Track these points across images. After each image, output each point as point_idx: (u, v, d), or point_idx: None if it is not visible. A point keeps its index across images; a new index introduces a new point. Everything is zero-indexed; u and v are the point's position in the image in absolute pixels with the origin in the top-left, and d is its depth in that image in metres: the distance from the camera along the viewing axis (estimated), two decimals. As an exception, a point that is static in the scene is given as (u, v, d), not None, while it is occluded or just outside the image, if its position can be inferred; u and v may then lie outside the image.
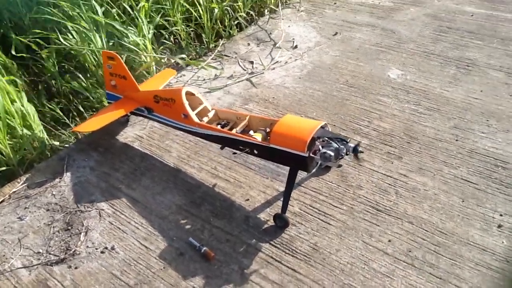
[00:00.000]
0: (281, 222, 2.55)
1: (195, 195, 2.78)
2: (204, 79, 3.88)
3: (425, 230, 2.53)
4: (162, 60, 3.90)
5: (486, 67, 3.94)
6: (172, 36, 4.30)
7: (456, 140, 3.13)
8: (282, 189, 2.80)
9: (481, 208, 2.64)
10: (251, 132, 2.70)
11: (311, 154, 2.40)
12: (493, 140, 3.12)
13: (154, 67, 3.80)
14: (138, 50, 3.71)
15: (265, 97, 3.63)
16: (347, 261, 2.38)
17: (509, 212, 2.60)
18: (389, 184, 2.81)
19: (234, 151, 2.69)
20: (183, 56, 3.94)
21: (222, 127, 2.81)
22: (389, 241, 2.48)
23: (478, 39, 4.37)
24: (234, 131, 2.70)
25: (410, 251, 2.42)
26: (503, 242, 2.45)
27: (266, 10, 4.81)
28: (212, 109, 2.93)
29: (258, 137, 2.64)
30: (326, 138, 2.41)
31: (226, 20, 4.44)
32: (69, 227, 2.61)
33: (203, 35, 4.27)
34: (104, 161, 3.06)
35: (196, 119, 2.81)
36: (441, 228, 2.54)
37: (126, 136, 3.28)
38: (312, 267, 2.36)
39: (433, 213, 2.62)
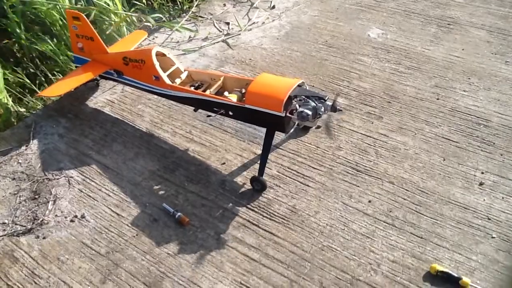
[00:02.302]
0: (258, 185, 2.47)
1: (169, 160, 2.67)
2: (178, 41, 3.71)
3: (406, 190, 2.47)
4: (134, 20, 3.71)
5: (467, 25, 3.84)
6: (143, -3, 4.09)
7: (437, 99, 3.06)
8: (259, 152, 2.70)
9: (462, 167, 2.59)
10: (226, 93, 2.58)
11: (288, 114, 2.30)
12: (475, 98, 3.06)
13: (124, 29, 3.61)
14: (108, 8, 3.51)
15: (242, 59, 3.49)
16: (326, 223, 2.32)
17: (490, 170, 2.56)
18: (369, 144, 2.74)
19: (209, 113, 2.57)
20: (157, 15, 3.75)
21: (196, 88, 2.67)
22: (369, 201, 2.42)
23: (460, -3, 4.27)
24: (208, 92, 2.57)
25: (390, 211, 2.36)
26: (484, 199, 2.41)
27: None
28: (184, 70, 2.78)
29: (233, 98, 2.52)
30: (303, 97, 2.30)
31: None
32: (36, 196, 2.49)
33: (177, -5, 4.07)
34: (73, 127, 2.92)
35: (167, 81, 2.67)
36: (422, 187, 2.48)
37: (96, 101, 3.13)
38: (291, 230, 2.29)
39: (414, 173, 2.56)
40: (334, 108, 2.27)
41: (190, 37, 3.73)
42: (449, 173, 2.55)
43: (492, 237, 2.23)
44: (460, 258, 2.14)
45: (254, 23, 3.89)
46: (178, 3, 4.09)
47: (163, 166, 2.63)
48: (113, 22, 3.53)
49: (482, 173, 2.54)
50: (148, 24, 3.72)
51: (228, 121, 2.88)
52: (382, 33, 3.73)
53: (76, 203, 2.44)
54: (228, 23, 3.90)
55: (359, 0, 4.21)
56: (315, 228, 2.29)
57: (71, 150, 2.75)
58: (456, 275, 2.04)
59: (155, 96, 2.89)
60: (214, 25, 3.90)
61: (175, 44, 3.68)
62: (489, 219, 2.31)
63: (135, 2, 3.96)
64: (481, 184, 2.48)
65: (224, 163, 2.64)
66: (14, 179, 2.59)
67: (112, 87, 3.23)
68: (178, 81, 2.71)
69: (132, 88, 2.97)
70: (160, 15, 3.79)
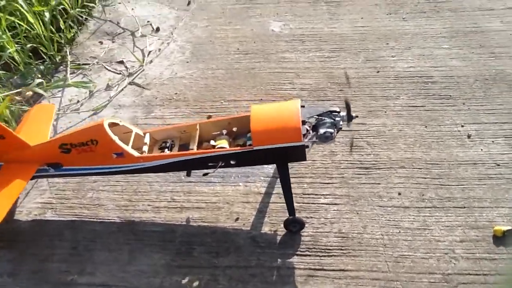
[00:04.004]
0: (295, 226, 2.20)
1: (175, 242, 2.21)
2: (78, 101, 3.07)
3: (419, 169, 2.47)
4: (15, 97, 2.93)
5: (347, -6, 3.97)
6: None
7: (378, 72, 3.11)
8: (263, 191, 2.42)
9: (444, 127, 2.69)
10: (212, 142, 2.20)
11: (307, 140, 2.07)
12: (405, 60, 3.20)
13: (7, 112, 2.82)
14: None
15: (167, 96, 3.05)
16: (381, 233, 2.19)
17: (466, 121, 2.71)
18: (356, 138, 2.66)
19: (205, 171, 2.18)
20: (38, 81, 3.02)
21: (168, 149, 2.24)
22: (399, 194, 2.35)
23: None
24: (194, 148, 2.17)
25: (423, 195, 2.34)
26: (481, 149, 2.54)
27: (96, -1, 3.98)
28: (144, 134, 2.30)
29: (224, 144, 2.17)
30: (315, 116, 2.09)
31: (62, 23, 3.53)
32: None
33: (42, 48, 3.33)
34: (22, 256, 2.20)
35: (136, 154, 2.16)
36: (429, 160, 2.51)
37: (27, 211, 2.41)
38: (357, 257, 2.10)
39: (412, 149, 2.57)
40: (350, 117, 2.11)
41: (90, 91, 3.11)
42: (438, 137, 2.63)
43: (513, 180, 2.37)
44: (505, 210, 2.24)
45: (149, 52, 3.42)
46: (49, 57, 3.35)
47: (174, 252, 2.17)
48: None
49: (462, 126, 2.68)
50: (29, 93, 2.99)
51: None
52: (283, 25, 3.63)
53: None
54: (122, 62, 3.36)
55: (237, -2, 4.02)
56: (375, 244, 2.15)
57: (43, 286, 2.07)
58: (521, 228, 2.12)
59: (102, 176, 2.34)
60: (106, 68, 3.32)
61: (77, 105, 3.03)
62: (498, 165, 2.45)
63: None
64: (469, 136, 2.62)
65: (237, 219, 2.29)
66: None
67: (34, 184, 2.52)
68: (145, 148, 2.23)
69: (66, 177, 2.36)
70: (41, 79, 3.06)
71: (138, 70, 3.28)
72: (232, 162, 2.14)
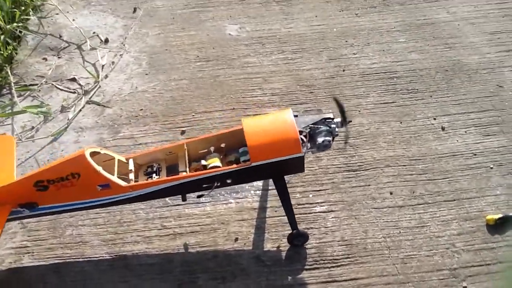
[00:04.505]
0: (299, 240, 2.15)
1: (175, 273, 2.07)
2: (32, 127, 2.77)
3: (403, 166, 2.51)
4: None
5: (297, -7, 3.95)
6: None
7: (344, 71, 3.12)
8: (256, 205, 2.35)
9: (418, 121, 2.76)
10: (203, 162, 2.09)
11: (306, 150, 2.02)
12: (367, 56, 3.23)
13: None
14: None
15: (132, 114, 2.85)
16: (383, 236, 2.20)
17: (437, 113, 2.80)
18: (337, 141, 2.63)
19: (200, 193, 2.06)
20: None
21: (154, 173, 2.09)
22: (391, 193, 2.38)
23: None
24: (185, 170, 2.04)
25: (413, 192, 2.38)
26: (457, 140, 2.64)
27: (30, 10, 3.61)
28: (127, 160, 2.12)
29: (217, 163, 2.06)
30: (310, 126, 2.04)
31: (-3, 40, 3.18)
32: None
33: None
34: (3, 312, 1.95)
35: (123, 183, 1.99)
36: (411, 156, 2.56)
37: (0, 259, 2.13)
38: (365, 264, 2.09)
39: (393, 146, 2.61)
40: (345, 122, 2.08)
41: (44, 116, 2.82)
42: (415, 132, 2.69)
43: (491, 168, 2.48)
44: (491, 198, 2.34)
45: (103, 66, 3.18)
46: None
47: (177, 284, 2.03)
48: None
49: (434, 119, 2.77)
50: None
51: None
52: (239, 28, 3.53)
53: None
54: (74, 79, 3.09)
55: (185, 2, 3.84)
56: (380, 248, 2.16)
57: None
58: (510, 214, 2.21)
59: (79, 211, 2.13)
60: (58, 88, 3.04)
61: (31, 132, 2.75)
62: (475, 155, 2.56)
63: None
64: (443, 129, 2.71)
65: (237, 239, 2.20)
66: None
67: (0, 228, 2.24)
68: (131, 176, 2.06)
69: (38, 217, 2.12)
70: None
71: (94, 87, 3.03)
72: (228, 181, 2.04)
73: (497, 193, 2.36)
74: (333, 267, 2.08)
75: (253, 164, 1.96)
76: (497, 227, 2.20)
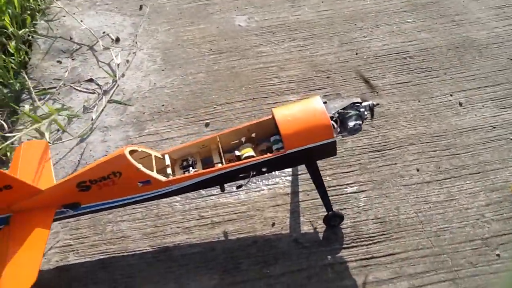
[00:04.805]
0: (335, 220, 2.21)
1: (219, 260, 2.13)
2: (58, 130, 2.81)
3: (427, 143, 2.58)
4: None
5: (299, -21, 3.98)
6: None
7: (356, 54, 3.18)
8: (288, 190, 2.41)
9: (435, 99, 2.82)
10: (237, 152, 2.14)
11: (338, 135, 2.08)
12: (377, 38, 3.29)
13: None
14: None
15: (154, 110, 2.89)
16: (414, 211, 2.27)
17: (453, 90, 2.86)
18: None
19: (239, 183, 2.11)
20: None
21: (190, 166, 2.14)
22: (418, 170, 2.45)
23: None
24: (222, 161, 2.09)
25: (439, 168, 2.45)
26: (475, 115, 2.71)
27: (36, 14, 3.61)
28: (162, 156, 2.17)
29: (250, 153, 2.12)
30: (339, 111, 2.09)
31: (11, 46, 3.19)
32: None
33: (-4, 77, 3.00)
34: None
35: (163, 178, 2.04)
36: (433, 132, 2.63)
37: (46, 259, 2.19)
38: (400, 239, 2.17)
39: (414, 125, 2.68)
40: (372, 105, 2.14)
41: (69, 118, 2.86)
42: (434, 109, 2.76)
43: (511, 139, 2.55)
44: (514, 168, 2.41)
45: (118, 65, 3.20)
46: (5, 85, 3.02)
47: (222, 270, 2.09)
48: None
49: (451, 95, 2.83)
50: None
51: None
52: (248, 18, 3.57)
53: None
54: (91, 80, 3.12)
55: (190, -4, 3.87)
56: (412, 223, 2.23)
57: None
58: (534, 182, 2.30)
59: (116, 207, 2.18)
60: (76, 89, 3.07)
61: (57, 134, 2.78)
62: (494, 127, 2.63)
63: None
64: (460, 104, 2.77)
65: (274, 224, 2.26)
66: None
67: (40, 229, 2.29)
68: (169, 170, 2.11)
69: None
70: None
71: (112, 86, 3.06)
72: (263, 170, 2.10)
73: (520, 162, 2.44)
74: (370, 244, 2.15)
75: (288, 151, 2.02)
76: (523, 195, 2.29)
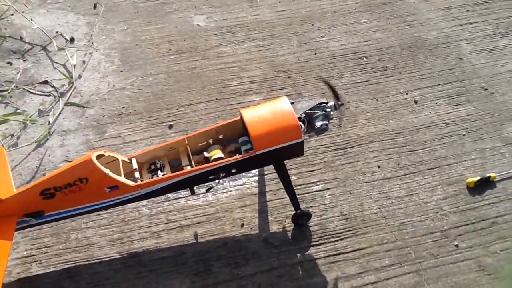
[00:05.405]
0: (303, 219, 2.26)
1: (189, 263, 2.13)
2: (12, 135, 2.69)
3: (386, 140, 2.68)
4: None
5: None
6: None
7: (315, 54, 3.24)
8: (255, 191, 2.43)
9: (392, 97, 2.93)
10: (205, 154, 2.14)
11: (306, 135, 2.12)
12: (334, 38, 3.37)
13: None
14: None
15: (115, 112, 2.83)
16: (377, 207, 2.36)
17: (408, 88, 2.98)
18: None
19: (209, 185, 2.11)
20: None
21: (158, 170, 2.12)
22: (378, 167, 2.54)
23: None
24: (189, 164, 2.09)
25: (399, 164, 2.56)
26: (430, 112, 2.84)
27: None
28: (129, 160, 2.13)
29: (219, 154, 2.12)
30: (306, 112, 2.14)
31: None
32: None
33: None
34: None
35: (131, 183, 2.01)
36: (391, 130, 2.73)
37: (7, 271, 2.07)
38: (366, 234, 2.24)
39: (373, 123, 2.77)
40: (338, 104, 2.20)
41: (24, 123, 2.74)
42: (391, 107, 2.87)
43: (463, 135, 2.70)
44: (467, 163, 2.56)
45: (74, 66, 3.10)
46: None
47: (193, 274, 2.09)
48: None
49: (407, 93, 2.95)
50: None
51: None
52: (207, 18, 3.55)
53: None
54: (46, 82, 3.00)
55: (146, -5, 3.80)
56: (376, 218, 2.31)
57: None
58: (486, 175, 2.43)
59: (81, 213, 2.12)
60: (30, 92, 2.94)
61: (12, 140, 2.66)
62: (447, 124, 2.77)
63: None
64: (416, 102, 2.90)
65: (243, 224, 2.28)
66: None
67: None
68: (137, 175, 2.08)
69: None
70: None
71: (69, 88, 2.96)
72: (233, 171, 2.10)
73: (472, 157, 2.58)
74: (337, 240, 2.21)
75: (257, 152, 2.04)
76: (477, 188, 2.42)
